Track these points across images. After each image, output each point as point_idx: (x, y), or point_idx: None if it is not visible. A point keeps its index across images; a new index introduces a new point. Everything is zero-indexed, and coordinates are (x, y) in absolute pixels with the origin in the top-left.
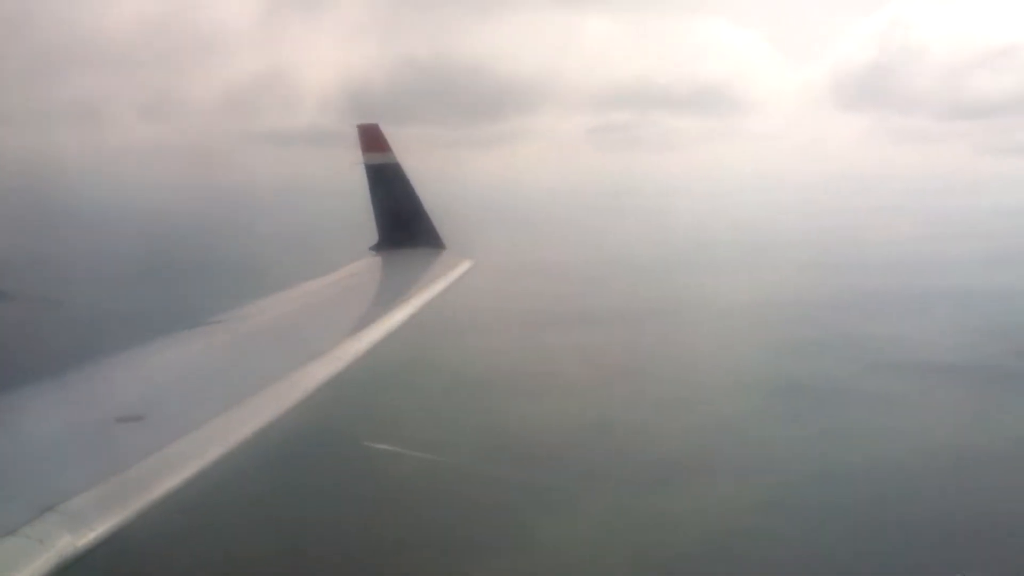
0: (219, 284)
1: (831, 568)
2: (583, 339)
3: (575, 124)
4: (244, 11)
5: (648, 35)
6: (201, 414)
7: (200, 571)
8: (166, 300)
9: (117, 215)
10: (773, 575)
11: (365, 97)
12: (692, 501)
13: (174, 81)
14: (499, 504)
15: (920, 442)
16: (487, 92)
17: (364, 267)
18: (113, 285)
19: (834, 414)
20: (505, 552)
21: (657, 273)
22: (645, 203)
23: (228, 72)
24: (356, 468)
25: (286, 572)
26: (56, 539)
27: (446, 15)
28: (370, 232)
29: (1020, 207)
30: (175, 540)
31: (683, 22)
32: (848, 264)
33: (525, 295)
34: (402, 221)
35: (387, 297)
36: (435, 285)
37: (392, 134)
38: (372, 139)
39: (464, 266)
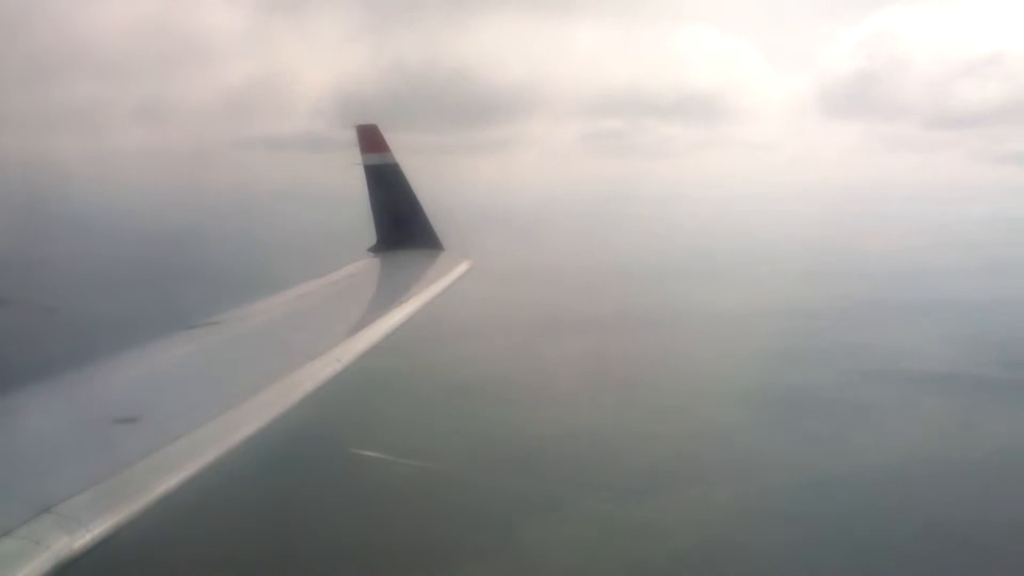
0: (215, 288)
1: None
2: (575, 346)
3: (567, 131)
4: (235, 18)
5: (638, 43)
6: (198, 415)
7: (195, 573)
8: (161, 304)
9: (111, 219)
10: None
11: (356, 103)
12: (678, 510)
13: (167, 86)
14: (485, 511)
15: (907, 451)
16: (477, 99)
17: (363, 268)
18: (108, 290)
19: (823, 423)
20: (490, 559)
21: (649, 280)
22: (637, 210)
23: (220, 78)
24: (342, 475)
25: None
26: (53, 540)
27: (434, 22)
28: (367, 236)
29: (1012, 216)
30: (171, 542)
31: (672, 30)
32: (839, 273)
33: (518, 301)
34: (401, 222)
35: (385, 298)
36: (433, 286)
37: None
38: (371, 140)
39: (462, 267)
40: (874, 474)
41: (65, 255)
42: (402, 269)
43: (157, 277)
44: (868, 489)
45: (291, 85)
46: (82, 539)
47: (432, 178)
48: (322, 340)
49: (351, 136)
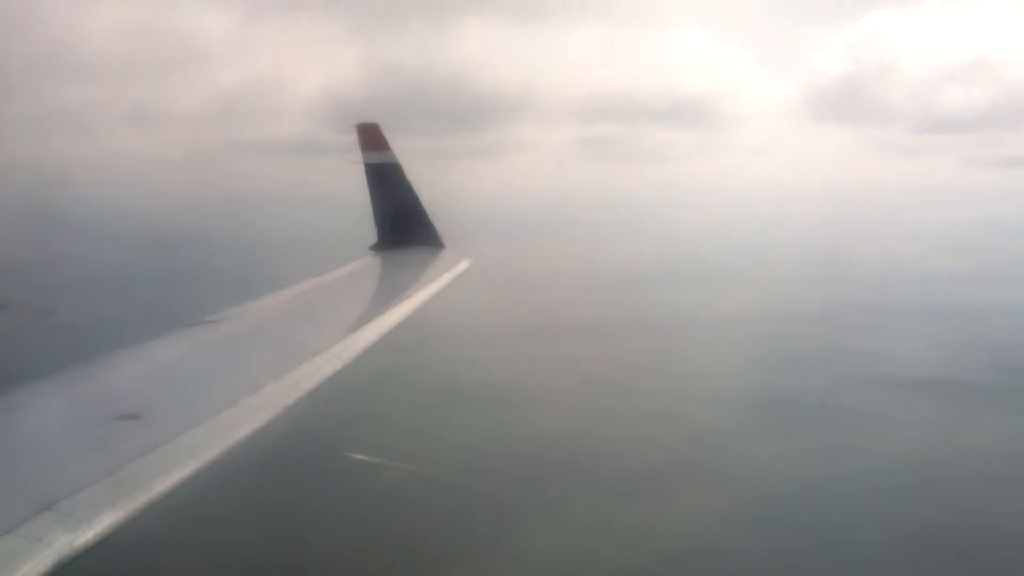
0: (213, 289)
1: None
2: (570, 349)
3: (560, 136)
4: (228, 23)
5: (630, 48)
6: (199, 413)
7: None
8: (160, 306)
9: (106, 222)
10: None
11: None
12: (671, 513)
13: (160, 90)
14: (478, 515)
15: (900, 455)
16: (470, 103)
17: (364, 266)
18: (106, 293)
19: (815, 427)
20: (482, 562)
21: (643, 284)
22: (631, 214)
23: (212, 82)
24: (334, 479)
25: None
26: (54, 538)
27: (426, 27)
28: (364, 238)
29: (1005, 221)
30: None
31: (662, 35)
32: (832, 277)
33: (513, 304)
34: (401, 220)
35: (387, 295)
36: (434, 284)
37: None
38: (371, 138)
39: (463, 265)
40: (866, 478)
41: (62, 258)
42: (403, 267)
43: (155, 279)
44: (859, 493)
45: (282, 89)
46: (83, 537)
47: (425, 181)
48: (323, 337)
49: (343, 139)
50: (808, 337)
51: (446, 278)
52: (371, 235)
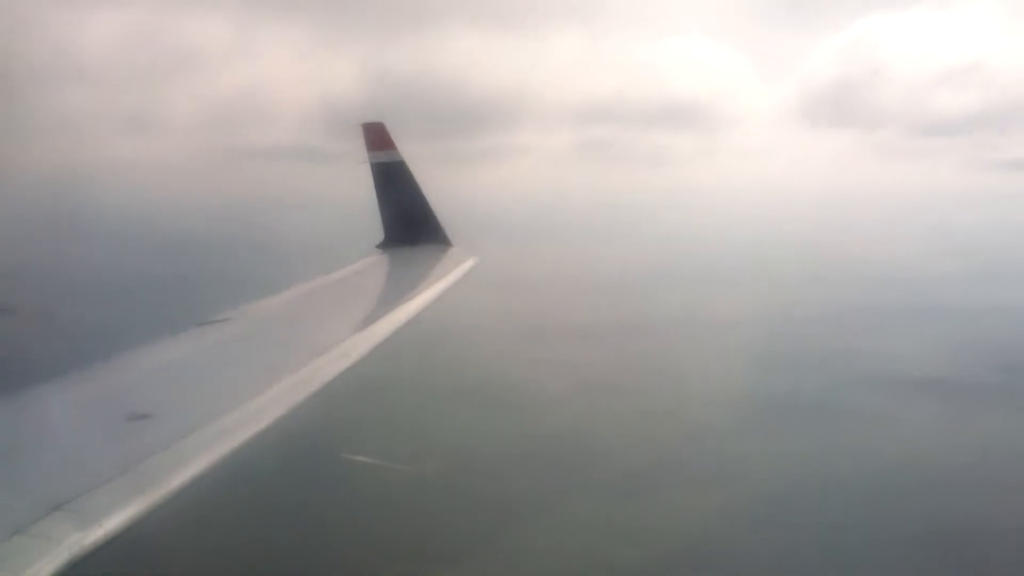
0: (217, 293)
1: None
2: (570, 351)
3: (557, 140)
4: (224, 31)
5: (625, 53)
6: (209, 411)
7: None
8: (162, 310)
9: (108, 227)
10: None
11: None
12: (669, 513)
13: (157, 97)
14: (475, 515)
15: (900, 455)
16: (466, 107)
17: (371, 264)
18: (109, 297)
19: (814, 427)
20: (479, 562)
21: (642, 286)
22: (630, 216)
23: (208, 90)
24: (333, 480)
25: None
26: (65, 536)
27: (420, 31)
28: (367, 239)
29: (1005, 223)
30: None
31: (659, 40)
32: (831, 279)
33: (512, 306)
34: (408, 218)
35: (396, 292)
36: (442, 282)
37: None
38: (378, 137)
39: (470, 263)
40: (866, 478)
41: (64, 262)
42: (411, 264)
43: (158, 283)
44: (858, 493)
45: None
46: (93, 535)
47: (424, 184)
48: (334, 334)
49: (338, 146)
50: (807, 338)
51: (454, 275)
52: (374, 237)
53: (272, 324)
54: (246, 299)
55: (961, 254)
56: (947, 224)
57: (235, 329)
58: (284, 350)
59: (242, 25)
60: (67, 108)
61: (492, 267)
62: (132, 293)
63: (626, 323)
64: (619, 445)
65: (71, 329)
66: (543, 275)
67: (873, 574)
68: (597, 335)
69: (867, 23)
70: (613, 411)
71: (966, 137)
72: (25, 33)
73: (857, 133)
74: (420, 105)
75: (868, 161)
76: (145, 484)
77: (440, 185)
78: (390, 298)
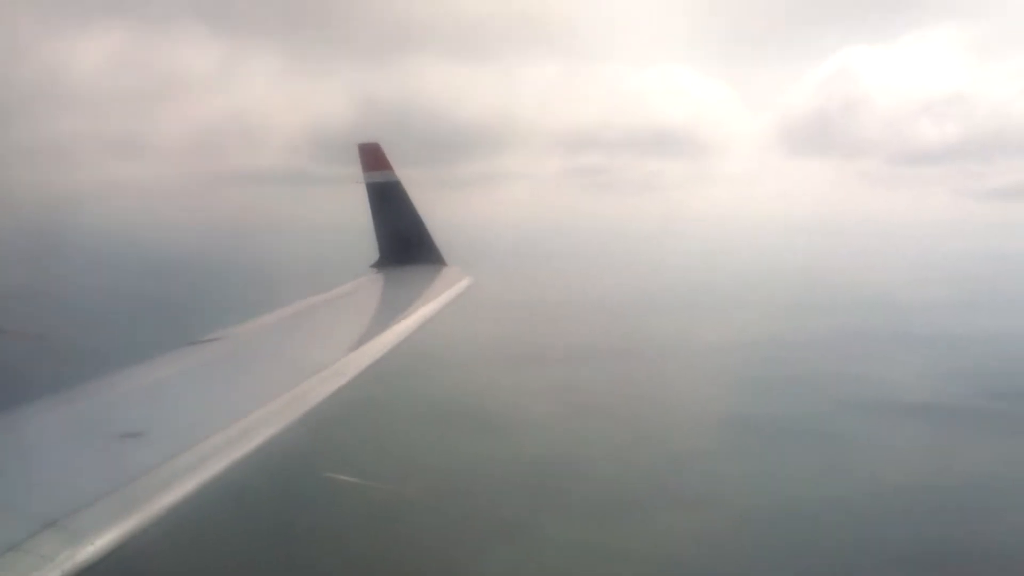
0: (210, 315)
1: None
2: (557, 375)
3: (550, 167)
4: (212, 57)
5: (611, 82)
6: (202, 429)
7: None
8: (153, 332)
9: (98, 249)
10: None
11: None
12: (655, 537)
13: (147, 121)
14: (457, 537)
15: (889, 480)
16: (455, 134)
17: (366, 283)
18: (97, 318)
19: (802, 452)
20: None
21: (633, 312)
22: (621, 243)
23: (197, 114)
24: (314, 499)
25: None
26: (58, 554)
27: (409, 61)
28: (362, 260)
29: (994, 251)
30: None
31: (645, 70)
32: (821, 306)
33: (502, 330)
34: (403, 238)
35: (391, 311)
36: (437, 300)
37: (357, 172)
38: (373, 158)
39: (465, 282)
40: (854, 503)
41: (56, 285)
42: (406, 284)
43: (150, 305)
44: (848, 518)
45: (264, 120)
46: (87, 552)
47: (419, 207)
48: (329, 353)
49: (325, 169)
50: (796, 363)
51: (449, 295)
52: (368, 258)
53: (265, 343)
54: (237, 320)
55: (948, 281)
56: (933, 252)
57: (228, 348)
58: (276, 369)
59: (229, 51)
60: (58, 132)
61: (484, 290)
62: (122, 315)
63: (616, 347)
64: (606, 469)
65: (61, 349)
66: (535, 299)
67: None
68: (587, 358)
69: (848, 54)
70: (601, 434)
71: (949, 166)
72: (17, 59)
73: (840, 161)
74: (407, 131)
75: (853, 189)
76: (137, 502)
77: (431, 209)
78: (386, 317)
